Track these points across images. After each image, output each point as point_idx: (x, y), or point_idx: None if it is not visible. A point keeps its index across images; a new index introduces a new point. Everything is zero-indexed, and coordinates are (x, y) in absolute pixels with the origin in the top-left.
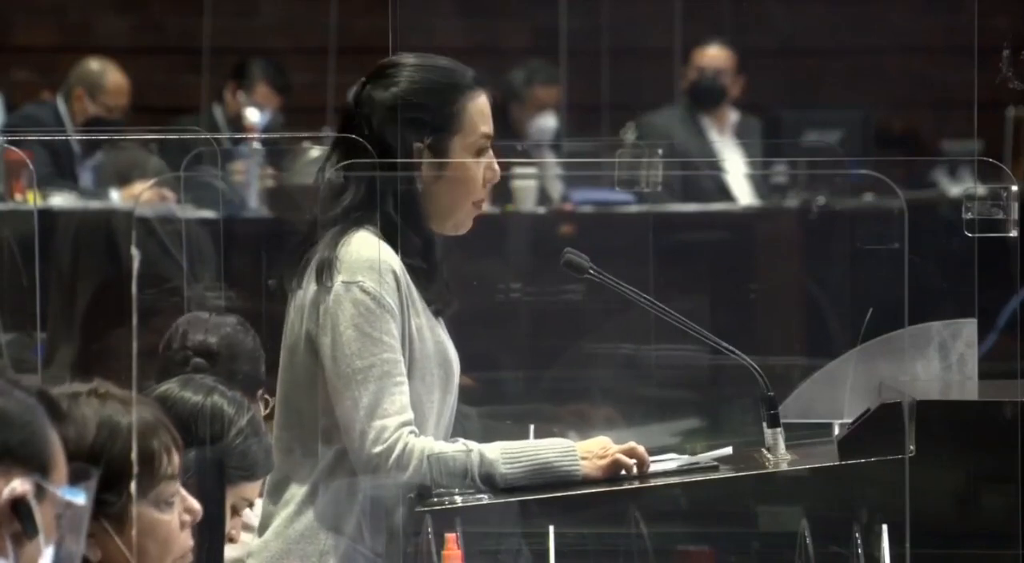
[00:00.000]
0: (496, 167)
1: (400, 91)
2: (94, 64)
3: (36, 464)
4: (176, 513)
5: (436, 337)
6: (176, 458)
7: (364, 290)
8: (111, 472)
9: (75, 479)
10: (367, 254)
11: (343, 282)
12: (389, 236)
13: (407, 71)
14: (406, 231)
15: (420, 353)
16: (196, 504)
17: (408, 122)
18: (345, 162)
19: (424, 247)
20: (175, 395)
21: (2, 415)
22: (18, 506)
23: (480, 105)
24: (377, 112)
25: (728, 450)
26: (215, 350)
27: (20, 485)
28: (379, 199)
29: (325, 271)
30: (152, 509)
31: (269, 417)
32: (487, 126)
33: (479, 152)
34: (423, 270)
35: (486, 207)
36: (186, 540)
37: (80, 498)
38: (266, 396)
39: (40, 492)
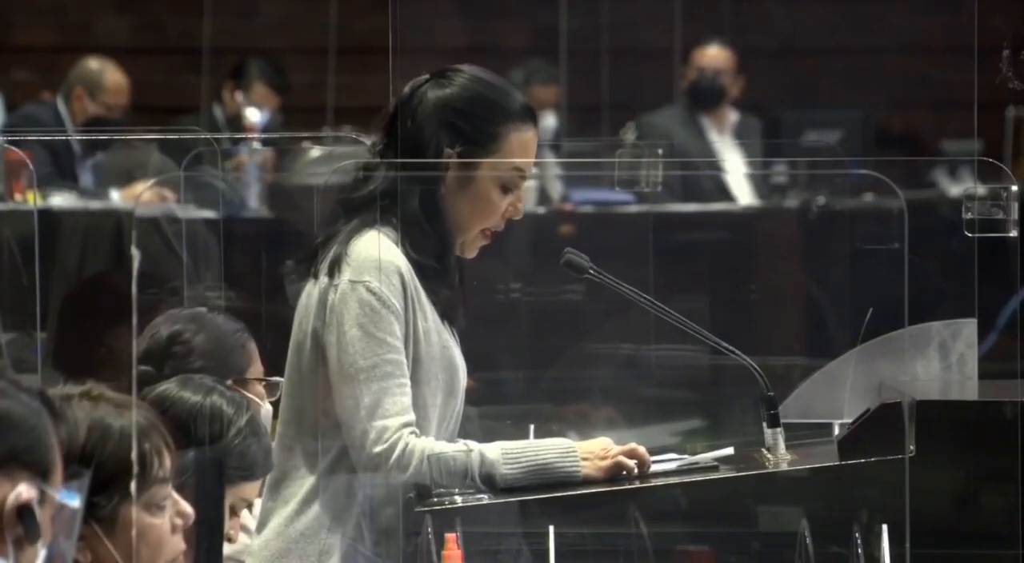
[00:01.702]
0: (521, 206)
1: (449, 95)
2: (93, 63)
3: (39, 469)
4: (168, 517)
5: (443, 341)
6: (168, 461)
7: (370, 290)
8: (102, 475)
9: (67, 479)
10: (375, 254)
11: (349, 281)
12: (408, 234)
13: (464, 78)
14: (424, 229)
15: (425, 356)
16: (188, 508)
17: (447, 126)
18: (367, 161)
19: (439, 248)
20: (174, 395)
21: (9, 419)
22: (23, 511)
23: (524, 140)
24: (424, 108)
25: (729, 450)
26: (155, 353)
27: (26, 491)
28: (402, 196)
29: (334, 268)
30: (143, 513)
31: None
32: (523, 161)
33: (508, 184)
34: (435, 270)
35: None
36: (177, 544)
37: (74, 501)
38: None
39: (42, 496)
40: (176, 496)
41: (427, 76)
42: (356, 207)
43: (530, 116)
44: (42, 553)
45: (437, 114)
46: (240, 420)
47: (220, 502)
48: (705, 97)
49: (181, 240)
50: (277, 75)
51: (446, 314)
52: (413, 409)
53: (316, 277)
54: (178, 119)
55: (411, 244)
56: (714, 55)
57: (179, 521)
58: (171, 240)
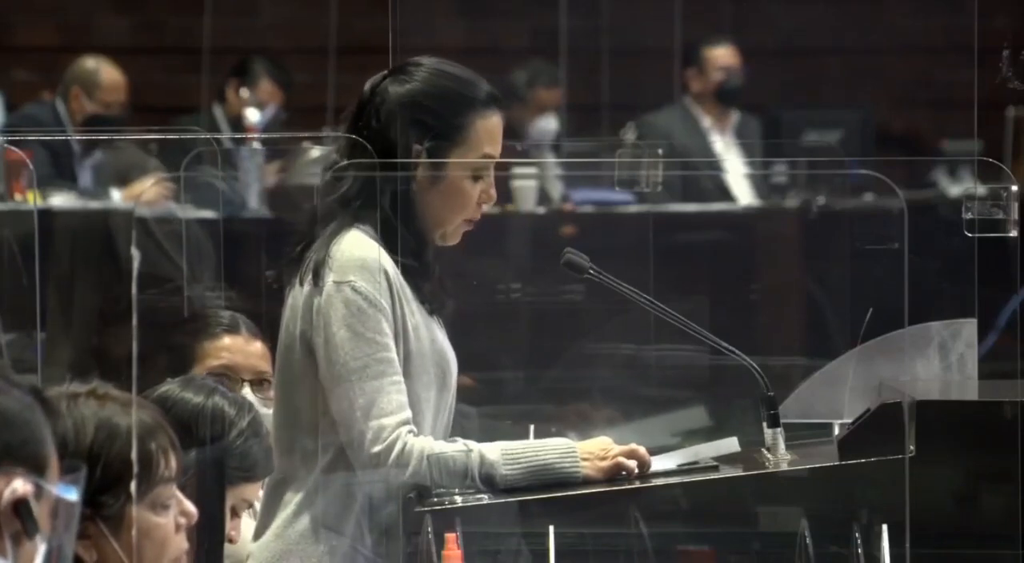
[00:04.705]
0: (493, 191)
1: (411, 90)
2: (88, 62)
3: (35, 464)
4: (172, 516)
5: (432, 335)
6: (173, 461)
7: (355, 290)
8: (109, 474)
9: (64, 474)
10: (358, 253)
11: (334, 282)
12: (384, 233)
13: (424, 72)
14: (400, 229)
15: (416, 351)
16: (191, 507)
17: (413, 123)
18: (346, 161)
19: (417, 247)
20: (176, 396)
21: (2, 415)
22: (19, 506)
23: (490, 125)
24: (386, 106)
25: (733, 440)
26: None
27: (22, 486)
28: (376, 196)
29: (318, 270)
30: (148, 512)
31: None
32: (492, 148)
33: (478, 172)
34: (416, 269)
35: (486, 207)
36: (181, 543)
37: (72, 495)
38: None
39: (38, 491)
40: (180, 495)
41: (385, 73)
42: (333, 209)
43: (494, 101)
44: (42, 548)
45: (402, 111)
46: (241, 421)
47: (221, 503)
48: (733, 97)
49: (172, 241)
50: (281, 71)
51: (432, 307)
52: (408, 406)
53: (301, 281)
54: (178, 119)
55: (387, 244)
56: (732, 54)
57: (183, 520)
58: (161, 242)
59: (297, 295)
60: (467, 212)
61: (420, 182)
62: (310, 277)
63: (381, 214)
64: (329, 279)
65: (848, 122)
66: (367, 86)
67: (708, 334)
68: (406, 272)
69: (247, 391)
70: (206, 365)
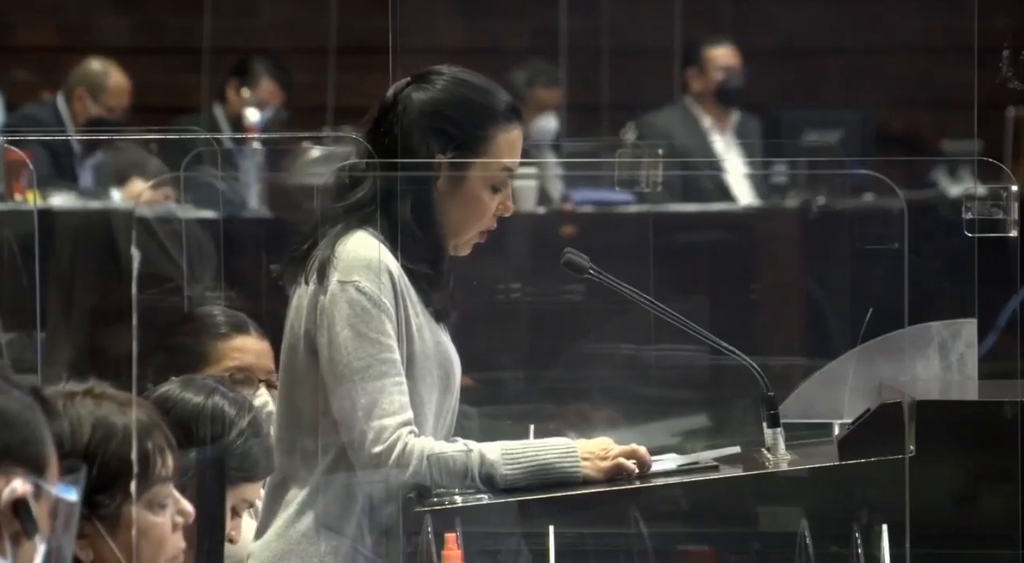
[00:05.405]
0: (511, 203)
1: (434, 99)
2: (96, 64)
3: (34, 464)
4: (169, 515)
5: (436, 338)
6: (170, 460)
7: (360, 290)
8: (105, 473)
9: (64, 474)
10: (363, 254)
11: (339, 282)
12: (400, 240)
13: (448, 81)
14: (417, 236)
15: (420, 353)
16: (188, 506)
17: (435, 132)
18: (364, 163)
19: (433, 254)
20: (176, 396)
21: (3, 414)
22: (18, 506)
23: (510, 138)
24: (409, 113)
25: (736, 449)
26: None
27: (21, 486)
28: (392, 201)
29: (323, 270)
30: (145, 511)
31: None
32: (511, 160)
33: (497, 184)
34: (428, 276)
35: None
36: (178, 542)
37: (72, 495)
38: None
39: (38, 491)
40: (177, 495)
41: (408, 79)
42: (344, 210)
43: (515, 114)
44: (41, 548)
45: (424, 120)
46: (242, 421)
47: (221, 503)
48: (733, 97)
49: (174, 240)
50: (281, 71)
51: (439, 314)
52: (410, 407)
53: (306, 280)
54: (178, 119)
55: (403, 251)
56: (732, 54)
57: (180, 519)
58: (164, 241)
59: (302, 294)
60: (484, 223)
61: (439, 190)
62: (315, 276)
63: (397, 219)
64: (334, 278)
65: (848, 122)
66: (390, 92)
67: (708, 334)
68: (416, 278)
69: (263, 390)
70: (223, 366)
